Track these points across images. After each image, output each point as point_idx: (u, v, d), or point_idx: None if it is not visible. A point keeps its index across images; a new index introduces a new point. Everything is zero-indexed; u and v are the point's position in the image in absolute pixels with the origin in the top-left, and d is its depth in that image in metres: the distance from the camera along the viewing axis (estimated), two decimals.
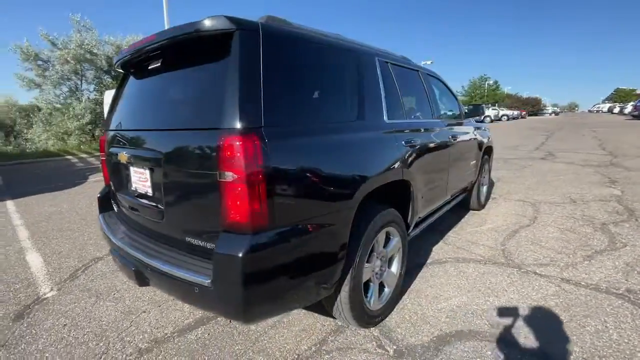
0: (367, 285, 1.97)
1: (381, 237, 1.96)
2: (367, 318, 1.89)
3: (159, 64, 1.58)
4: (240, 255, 1.19)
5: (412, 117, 2.47)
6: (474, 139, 3.69)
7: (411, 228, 2.43)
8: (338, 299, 1.76)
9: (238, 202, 1.21)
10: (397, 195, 2.23)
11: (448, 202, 3.26)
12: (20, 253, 3.36)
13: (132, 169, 1.76)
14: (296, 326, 2.05)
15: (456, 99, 3.58)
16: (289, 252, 1.34)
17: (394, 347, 1.85)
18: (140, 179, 1.70)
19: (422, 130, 2.49)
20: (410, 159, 2.18)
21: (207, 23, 1.32)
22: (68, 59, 12.98)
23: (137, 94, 1.89)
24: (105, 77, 15.08)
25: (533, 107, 55.79)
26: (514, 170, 6.93)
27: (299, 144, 1.41)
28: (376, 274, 2.03)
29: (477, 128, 3.94)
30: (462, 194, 3.72)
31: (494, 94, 55.54)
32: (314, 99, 1.57)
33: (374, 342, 1.89)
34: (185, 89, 1.55)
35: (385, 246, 2.09)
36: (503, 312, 2.13)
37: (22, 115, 16.56)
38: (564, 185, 5.49)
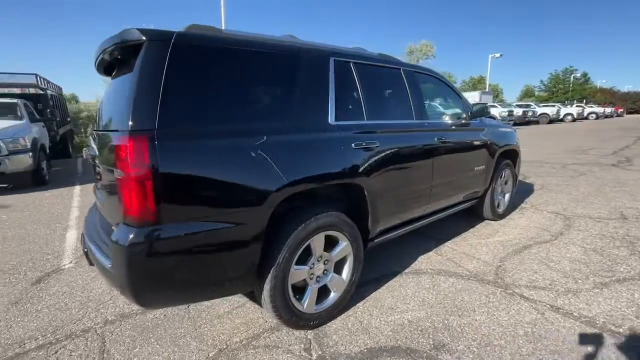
0: (305, 286, 1.97)
1: (318, 240, 1.94)
2: (296, 319, 1.89)
3: (105, 71, 1.80)
4: (125, 244, 1.32)
5: (379, 118, 2.35)
6: (482, 141, 3.33)
7: (371, 234, 2.34)
8: (262, 297, 1.80)
9: (129, 197, 1.34)
10: (351, 199, 2.17)
11: (439, 211, 3.02)
12: (64, 230, 4.03)
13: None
14: (240, 319, 2.14)
15: (460, 98, 3.26)
16: (182, 246, 1.44)
17: (319, 352, 1.82)
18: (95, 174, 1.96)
19: (390, 132, 2.36)
20: (364, 162, 2.09)
21: (124, 35, 1.48)
22: None
23: (104, 97, 2.17)
24: None
25: (634, 104, 46.92)
26: (567, 178, 6.02)
27: (199, 146, 1.49)
28: (317, 277, 2.01)
29: (493, 129, 3.55)
30: (465, 203, 3.40)
31: (582, 89, 48.21)
32: (227, 103, 1.63)
33: (302, 345, 1.88)
34: (115, 94, 1.74)
35: (329, 250, 2.05)
36: (455, 334, 1.94)
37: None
38: (621, 197, 4.62)
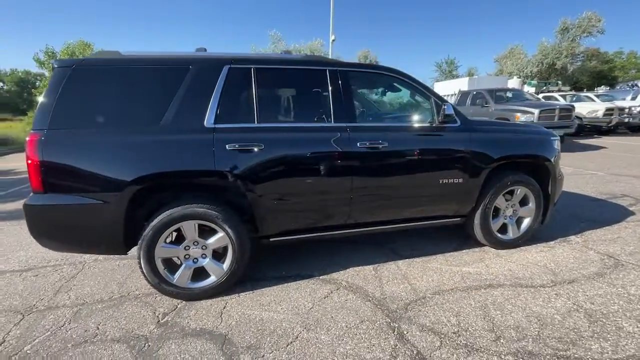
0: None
1: (189, 227, 2.24)
2: (164, 287, 2.26)
3: None
4: (24, 203, 2.03)
5: (276, 121, 2.37)
6: (457, 150, 2.74)
7: (264, 232, 2.45)
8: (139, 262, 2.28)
9: (30, 174, 2.04)
10: (234, 197, 2.35)
11: (384, 223, 2.73)
12: None
13: None
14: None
15: (428, 99, 2.74)
16: (58, 209, 2.05)
17: (169, 318, 2.17)
18: None
19: (283, 134, 2.37)
20: (240, 163, 2.23)
21: (54, 62, 2.16)
22: None
23: None
24: None
25: None
26: None
27: (74, 142, 2.04)
28: (193, 258, 2.34)
29: (486, 135, 2.84)
30: (441, 219, 2.90)
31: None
32: (107, 109, 2.12)
33: (165, 309, 2.26)
34: None
35: (206, 238, 2.33)
36: (281, 342, 1.92)
37: None
38: None
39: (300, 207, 2.48)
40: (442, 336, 1.95)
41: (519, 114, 8.86)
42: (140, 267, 2.22)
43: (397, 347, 1.87)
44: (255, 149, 2.27)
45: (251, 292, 2.48)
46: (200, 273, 2.38)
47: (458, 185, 2.79)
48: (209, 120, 2.24)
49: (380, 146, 2.53)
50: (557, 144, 3.14)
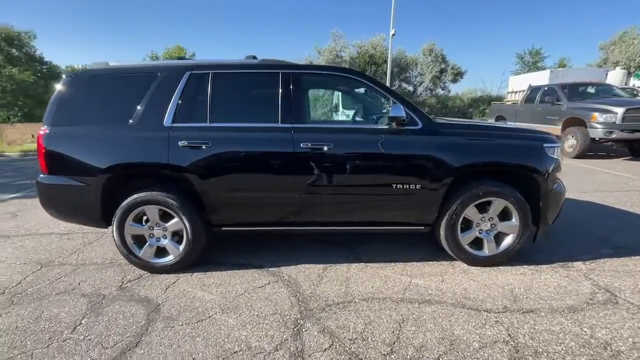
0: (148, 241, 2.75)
1: (150, 210, 2.64)
2: (132, 259, 2.72)
3: None
4: (36, 180, 2.68)
5: (225, 121, 2.59)
6: (412, 154, 2.59)
7: (214, 221, 2.72)
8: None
9: (40, 159, 2.67)
10: (188, 187, 2.66)
11: (334, 224, 2.76)
12: None
13: None
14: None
15: (386, 100, 2.61)
16: (57, 188, 2.64)
17: (121, 284, 2.61)
18: None
19: (228, 133, 2.59)
20: (189, 158, 2.53)
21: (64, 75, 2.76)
22: (324, 63, 17.91)
23: None
24: None
25: None
26: None
27: (68, 134, 2.59)
28: (157, 237, 2.74)
29: (454, 139, 2.61)
30: (401, 226, 2.78)
31: None
32: (89, 110, 2.63)
33: (130, 277, 2.72)
34: None
35: (166, 221, 2.70)
36: (176, 314, 2.17)
37: None
38: None
39: (247, 202, 2.68)
40: (336, 340, 1.95)
41: (596, 114, 7.41)
42: (114, 240, 2.72)
43: (286, 341, 1.95)
44: (203, 147, 2.54)
45: (203, 273, 2.78)
46: (163, 251, 2.78)
47: (416, 192, 2.63)
48: (167, 120, 2.60)
49: (325, 147, 2.55)
50: (553, 152, 2.68)
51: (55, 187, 2.68)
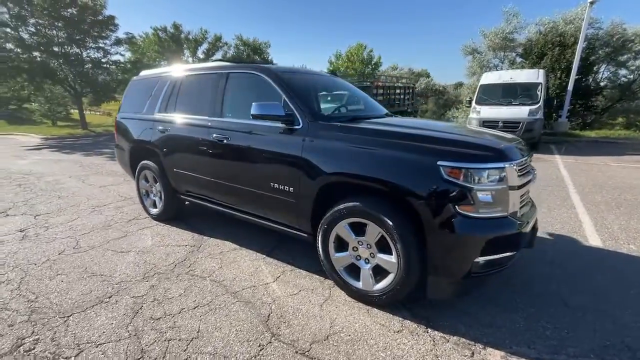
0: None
1: (149, 174, 3.80)
2: (143, 205, 4.03)
3: None
4: (114, 147, 4.38)
5: (182, 113, 3.28)
6: (284, 155, 2.46)
7: (177, 191, 3.57)
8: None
9: (116, 136, 4.32)
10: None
11: (249, 214, 2.97)
12: None
13: None
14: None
15: (280, 98, 2.50)
16: (117, 151, 4.24)
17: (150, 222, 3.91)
18: None
19: (174, 123, 3.31)
20: (159, 139, 3.46)
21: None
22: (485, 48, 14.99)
23: None
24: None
25: None
26: None
27: (122, 120, 4.06)
28: (153, 194, 3.90)
29: (323, 143, 2.29)
30: (286, 228, 2.69)
31: None
32: (131, 103, 3.96)
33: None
34: None
35: (156, 182, 3.80)
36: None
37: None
38: None
39: (190, 180, 3.33)
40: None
41: None
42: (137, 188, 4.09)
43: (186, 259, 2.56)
44: (166, 131, 3.41)
45: (167, 226, 3.72)
46: (155, 204, 3.93)
47: (290, 194, 2.49)
48: (157, 111, 3.61)
49: (225, 140, 2.84)
50: (458, 176, 1.82)
51: (117, 150, 4.32)
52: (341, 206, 2.22)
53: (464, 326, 2.04)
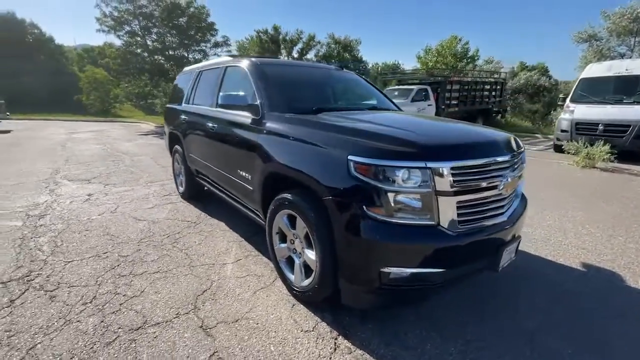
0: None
1: (179, 154, 4.39)
2: (177, 187, 4.68)
3: None
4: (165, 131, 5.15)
5: (196, 104, 3.66)
6: (250, 145, 2.49)
7: (190, 170, 4.04)
8: None
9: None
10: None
11: (234, 200, 3.20)
12: None
13: None
14: None
15: (255, 91, 2.59)
16: (167, 133, 4.96)
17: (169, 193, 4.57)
18: None
19: (187, 112, 3.75)
20: (181, 124, 3.96)
21: None
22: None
23: None
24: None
25: None
26: None
27: (168, 108, 4.75)
28: (179, 174, 4.49)
29: (270, 138, 2.27)
30: (251, 213, 2.81)
31: None
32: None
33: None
34: None
35: (179, 164, 4.36)
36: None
37: None
38: None
39: (199, 162, 3.72)
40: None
41: None
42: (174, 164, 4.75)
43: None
44: (186, 119, 3.88)
45: (186, 204, 4.23)
46: (182, 183, 4.50)
47: (248, 181, 2.60)
48: (184, 102, 4.12)
49: (214, 129, 3.11)
50: (368, 173, 1.62)
51: (165, 135, 5.06)
52: (278, 197, 2.22)
53: (379, 343, 1.83)
